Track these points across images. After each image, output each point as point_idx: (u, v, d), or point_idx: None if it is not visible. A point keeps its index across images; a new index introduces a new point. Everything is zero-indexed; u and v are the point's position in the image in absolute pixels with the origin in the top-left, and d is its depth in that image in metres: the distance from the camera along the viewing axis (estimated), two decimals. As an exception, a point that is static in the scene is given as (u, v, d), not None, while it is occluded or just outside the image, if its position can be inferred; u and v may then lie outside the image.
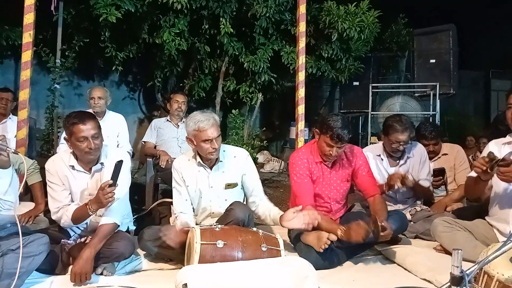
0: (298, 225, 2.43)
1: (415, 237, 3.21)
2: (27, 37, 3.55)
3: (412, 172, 3.31)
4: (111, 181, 2.28)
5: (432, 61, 6.33)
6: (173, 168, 2.77)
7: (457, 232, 2.74)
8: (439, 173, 3.52)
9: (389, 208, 3.22)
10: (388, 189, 3.16)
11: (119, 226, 2.55)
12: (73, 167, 2.53)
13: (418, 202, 3.47)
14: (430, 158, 3.59)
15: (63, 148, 3.26)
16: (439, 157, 3.73)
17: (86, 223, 2.61)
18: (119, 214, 2.53)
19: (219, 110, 6.24)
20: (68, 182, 2.54)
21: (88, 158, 2.50)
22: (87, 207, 2.37)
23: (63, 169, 2.53)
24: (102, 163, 2.56)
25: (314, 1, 5.44)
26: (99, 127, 2.48)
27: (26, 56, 3.57)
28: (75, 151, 2.49)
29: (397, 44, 7.26)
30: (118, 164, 2.29)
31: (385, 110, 6.18)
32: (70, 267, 2.45)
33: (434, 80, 6.07)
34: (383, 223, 2.43)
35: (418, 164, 3.40)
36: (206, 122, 2.54)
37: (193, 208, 2.79)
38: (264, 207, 2.75)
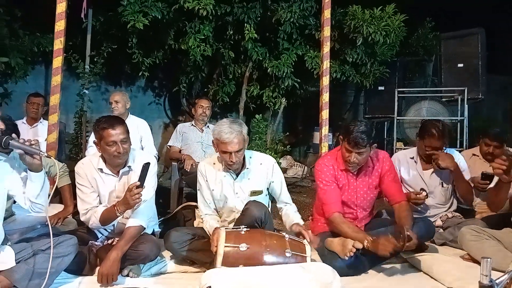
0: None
1: (443, 244, 3.12)
2: (58, 43, 3.65)
3: (447, 180, 3.24)
4: (138, 183, 2.32)
5: (460, 65, 6.18)
6: (198, 170, 2.79)
7: (485, 241, 2.67)
8: (486, 177, 3.24)
9: (418, 215, 3.19)
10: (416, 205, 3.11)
11: (145, 228, 2.59)
12: (101, 170, 2.60)
13: (451, 209, 3.34)
14: (488, 161, 3.44)
15: (92, 152, 3.34)
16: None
17: (113, 225, 2.67)
18: (145, 216, 2.57)
19: (242, 115, 6.28)
20: (96, 184, 2.60)
21: (116, 162, 2.56)
22: (115, 208, 2.42)
23: (92, 172, 2.60)
24: (129, 166, 2.62)
25: (339, 5, 5.41)
26: (127, 132, 2.54)
27: (57, 62, 3.66)
28: (104, 154, 2.55)
29: (423, 48, 7.13)
30: (146, 166, 2.33)
31: (411, 115, 6.07)
32: (97, 268, 2.50)
33: (461, 84, 5.93)
34: (408, 233, 2.39)
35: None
36: (229, 135, 2.50)
37: (217, 211, 2.82)
38: (286, 211, 2.81)
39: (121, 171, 2.61)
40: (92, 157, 2.69)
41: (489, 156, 3.50)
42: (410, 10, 5.52)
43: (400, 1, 5.51)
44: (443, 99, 6.21)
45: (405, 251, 2.71)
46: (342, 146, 2.73)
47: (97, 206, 2.59)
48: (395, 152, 5.81)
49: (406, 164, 3.33)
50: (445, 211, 3.31)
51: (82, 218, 2.59)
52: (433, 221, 3.18)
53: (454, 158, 3.26)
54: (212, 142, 2.69)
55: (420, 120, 5.47)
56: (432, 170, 3.28)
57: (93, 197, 2.59)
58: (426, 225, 2.84)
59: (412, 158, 3.34)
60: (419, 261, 2.72)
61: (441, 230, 3.22)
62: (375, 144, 2.76)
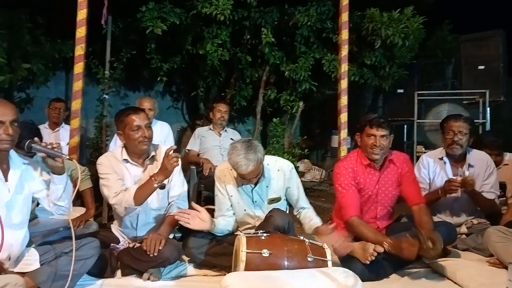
0: (331, 242, 2.44)
1: (466, 250, 3.03)
2: (79, 50, 3.71)
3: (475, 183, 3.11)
4: (175, 146, 2.40)
5: (481, 67, 6.08)
6: (216, 177, 2.79)
7: (512, 243, 2.60)
8: (498, 187, 3.24)
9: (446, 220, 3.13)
10: (444, 194, 3.01)
11: None
12: (126, 160, 2.61)
13: (479, 217, 3.21)
14: None
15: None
16: (500, 168, 3.50)
17: (136, 229, 2.69)
18: (184, 207, 2.66)
19: (259, 119, 6.29)
20: (122, 175, 2.60)
21: (141, 149, 2.57)
22: (152, 179, 2.41)
23: (116, 163, 2.61)
24: (153, 156, 2.64)
25: (356, 8, 5.39)
26: (149, 119, 2.62)
27: (78, 68, 3.71)
28: (129, 142, 2.57)
29: (442, 51, 7.05)
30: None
31: (431, 118, 6.00)
32: (119, 271, 2.54)
33: (481, 87, 5.83)
34: (432, 236, 2.35)
35: (482, 173, 3.16)
36: (245, 167, 2.44)
37: (235, 219, 2.81)
38: (306, 214, 2.79)
39: (146, 161, 2.63)
40: (114, 151, 2.73)
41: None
42: (428, 12, 5.47)
43: (418, 3, 5.46)
44: (464, 102, 6.13)
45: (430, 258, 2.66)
46: (363, 137, 2.74)
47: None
48: (415, 155, 5.77)
49: (435, 164, 3.25)
50: (471, 218, 3.20)
51: (113, 201, 2.52)
52: (458, 228, 3.11)
53: (486, 162, 3.19)
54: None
55: (440, 123, 5.40)
56: (460, 175, 3.15)
57: (119, 183, 2.56)
58: (447, 229, 2.77)
59: (441, 158, 3.24)
60: (442, 266, 2.66)
61: (464, 236, 3.13)
62: (393, 135, 2.75)
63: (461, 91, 6.23)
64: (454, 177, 3.04)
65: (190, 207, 2.57)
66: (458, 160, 3.20)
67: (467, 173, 3.06)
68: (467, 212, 3.19)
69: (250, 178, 2.57)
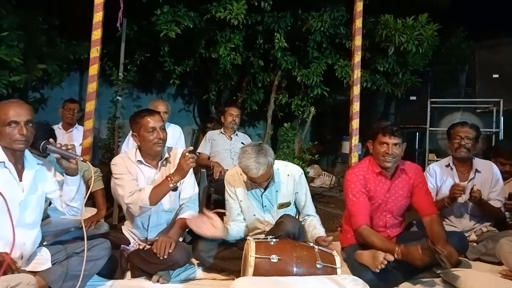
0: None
1: (477, 260, 3.02)
2: (94, 52, 3.75)
3: (483, 190, 3.11)
4: (191, 148, 2.44)
5: (495, 75, 6.02)
6: (226, 181, 2.80)
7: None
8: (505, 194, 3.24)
9: (452, 229, 3.11)
10: (451, 201, 3.00)
11: None
12: (140, 161, 2.64)
13: (487, 223, 3.23)
14: (504, 179, 3.37)
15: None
16: None
17: (146, 230, 2.70)
18: (195, 210, 2.70)
19: (270, 123, 6.29)
20: (136, 176, 2.62)
21: (156, 150, 2.59)
22: (168, 179, 2.44)
23: (130, 165, 2.63)
24: (167, 158, 2.67)
25: (370, 14, 5.37)
26: (163, 121, 2.65)
27: (93, 69, 3.75)
28: (144, 144, 2.59)
29: (456, 58, 6.98)
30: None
31: (444, 126, 5.92)
32: (128, 272, 2.56)
33: (496, 95, 5.76)
34: (444, 248, 2.33)
35: (489, 182, 3.19)
36: (256, 171, 2.46)
37: (246, 224, 2.81)
38: (311, 222, 2.78)
39: (159, 163, 2.65)
40: (128, 152, 2.75)
41: (506, 175, 3.44)
42: (442, 19, 5.42)
43: (432, 10, 5.42)
44: (478, 110, 6.06)
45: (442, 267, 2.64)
46: (375, 145, 2.72)
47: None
48: (427, 163, 5.71)
49: (442, 172, 3.27)
50: (479, 225, 3.20)
51: (127, 200, 2.52)
52: (468, 236, 3.09)
53: (492, 170, 3.19)
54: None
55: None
56: (467, 181, 3.19)
57: (134, 183, 2.57)
58: (459, 239, 2.76)
59: (448, 165, 3.27)
60: (453, 276, 2.63)
61: (475, 244, 3.11)
62: (405, 143, 2.74)
63: (474, 99, 6.18)
64: (459, 183, 3.04)
65: (201, 213, 2.58)
66: (465, 166, 3.21)
67: (469, 185, 3.07)
68: (475, 218, 3.21)
69: (260, 182, 2.57)
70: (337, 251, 2.45)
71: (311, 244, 2.44)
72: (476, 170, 3.20)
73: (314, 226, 2.73)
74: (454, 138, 3.17)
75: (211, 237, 2.50)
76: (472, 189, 2.96)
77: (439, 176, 3.27)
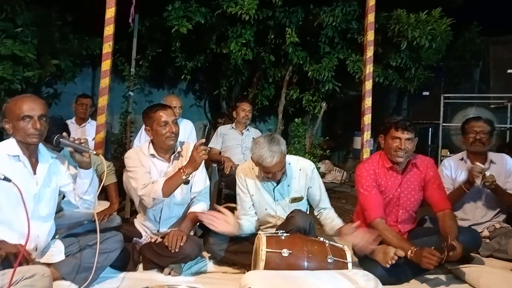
0: (356, 241, 2.43)
1: (489, 256, 2.99)
2: (107, 47, 3.78)
3: (498, 181, 3.07)
4: (203, 140, 2.46)
5: (510, 71, 5.92)
6: (237, 176, 2.80)
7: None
8: None
9: (467, 223, 3.10)
10: (469, 185, 2.99)
11: None
12: (153, 155, 2.67)
13: (500, 219, 3.20)
14: None
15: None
16: None
17: (158, 223, 2.73)
18: (206, 204, 2.73)
19: (281, 119, 6.28)
20: (149, 170, 2.65)
21: (168, 144, 2.62)
22: (181, 171, 2.45)
23: (143, 158, 2.66)
24: (179, 152, 2.70)
25: (382, 9, 5.32)
26: (175, 116, 2.68)
27: (106, 65, 3.78)
28: (156, 138, 2.62)
29: (470, 53, 6.88)
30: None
31: (457, 121, 5.85)
32: (140, 265, 2.59)
33: (510, 91, 5.67)
34: (453, 243, 2.32)
35: (504, 173, 3.18)
36: (270, 159, 2.46)
37: (258, 218, 2.81)
38: (327, 215, 2.77)
39: (172, 157, 2.68)
40: (141, 146, 2.79)
41: None
42: (456, 14, 5.35)
43: (446, 4, 5.35)
44: (491, 106, 5.98)
45: (449, 262, 2.62)
46: (387, 140, 2.70)
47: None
48: (440, 159, 5.66)
49: (456, 166, 3.28)
50: (492, 218, 3.18)
51: (141, 192, 2.54)
52: (480, 232, 3.06)
53: (506, 161, 3.20)
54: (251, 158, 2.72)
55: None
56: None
57: (147, 176, 2.60)
58: (472, 235, 2.73)
59: (462, 159, 3.30)
60: (464, 273, 2.61)
61: (488, 240, 3.09)
62: (417, 138, 2.72)
63: (488, 95, 6.09)
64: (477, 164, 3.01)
65: (213, 209, 2.60)
66: (479, 160, 3.18)
67: (487, 172, 3.02)
68: (489, 209, 3.19)
69: (275, 172, 2.55)
70: (348, 245, 2.44)
71: (322, 239, 2.43)
72: (491, 161, 3.22)
73: (332, 218, 2.73)
74: (469, 133, 3.18)
75: (225, 233, 2.51)
76: (484, 175, 2.93)
77: (454, 169, 3.28)
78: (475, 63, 7.04)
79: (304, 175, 2.75)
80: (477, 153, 3.20)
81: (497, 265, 2.83)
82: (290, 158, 2.77)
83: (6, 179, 1.83)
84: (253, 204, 2.76)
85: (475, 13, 7.14)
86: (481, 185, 3.00)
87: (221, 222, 2.47)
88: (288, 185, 2.73)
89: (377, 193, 2.73)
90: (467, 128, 3.22)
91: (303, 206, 2.80)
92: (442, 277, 2.68)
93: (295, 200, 2.73)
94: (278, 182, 2.70)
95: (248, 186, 2.74)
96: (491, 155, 3.26)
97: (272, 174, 2.57)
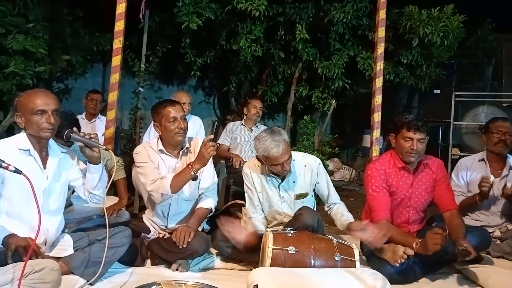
0: (365, 237, 2.41)
1: (499, 257, 2.95)
2: (117, 43, 3.78)
3: None
4: (212, 136, 2.46)
5: (523, 69, 5.85)
6: (244, 173, 2.81)
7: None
8: None
9: (475, 223, 3.05)
10: (481, 197, 2.93)
11: (212, 212, 2.72)
12: (162, 151, 2.67)
13: None
14: None
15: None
16: None
17: (167, 218, 2.74)
18: (213, 201, 2.73)
19: (290, 116, 6.26)
20: (158, 165, 2.66)
21: (177, 140, 2.62)
22: (189, 167, 2.46)
23: (152, 153, 2.67)
24: (187, 148, 2.70)
25: (394, 5, 5.27)
26: (184, 111, 2.67)
27: (116, 60, 3.79)
28: (165, 134, 2.62)
29: (482, 50, 6.79)
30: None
31: (469, 120, 5.80)
32: (148, 260, 2.60)
33: (523, 89, 5.62)
34: (464, 245, 2.29)
35: None
36: (276, 149, 2.48)
37: (264, 216, 2.82)
38: (337, 210, 2.76)
39: (180, 152, 2.69)
40: (150, 142, 2.80)
41: None
42: (469, 10, 5.28)
43: (458, 1, 5.28)
44: (503, 104, 5.90)
45: (459, 262, 2.60)
46: (399, 139, 2.65)
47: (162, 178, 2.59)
48: (450, 158, 5.61)
49: (474, 167, 3.19)
50: (506, 222, 3.12)
51: (150, 188, 2.55)
52: (492, 232, 3.03)
53: None
54: (257, 157, 2.71)
55: (478, 126, 5.22)
56: (500, 178, 3.11)
57: (156, 172, 2.61)
58: (481, 234, 2.71)
59: (482, 159, 3.20)
60: (474, 273, 2.59)
61: (498, 241, 3.04)
62: (428, 137, 2.68)
63: (501, 93, 6.01)
64: (487, 176, 2.95)
65: (233, 218, 2.63)
66: (498, 162, 3.14)
67: (502, 182, 3.00)
68: (503, 215, 3.13)
69: (283, 163, 2.54)
70: (356, 242, 2.43)
71: (330, 237, 2.43)
72: (510, 167, 3.13)
73: (342, 214, 2.72)
74: (495, 133, 3.09)
75: (244, 242, 2.49)
76: (505, 185, 2.90)
77: (471, 170, 3.20)
78: (487, 61, 6.95)
79: (309, 171, 2.74)
80: (498, 154, 3.13)
81: (507, 266, 2.80)
82: (295, 155, 2.77)
83: (17, 171, 1.84)
84: (260, 201, 2.76)
85: (488, 10, 7.03)
86: (496, 195, 2.98)
87: (240, 231, 2.50)
88: (294, 182, 2.72)
89: (386, 194, 2.70)
90: (492, 128, 3.12)
91: (308, 202, 2.80)
92: (451, 276, 2.66)
93: (299, 196, 2.73)
94: (283, 179, 2.70)
95: (254, 182, 2.75)
96: (511, 161, 3.15)
97: (281, 166, 2.55)
